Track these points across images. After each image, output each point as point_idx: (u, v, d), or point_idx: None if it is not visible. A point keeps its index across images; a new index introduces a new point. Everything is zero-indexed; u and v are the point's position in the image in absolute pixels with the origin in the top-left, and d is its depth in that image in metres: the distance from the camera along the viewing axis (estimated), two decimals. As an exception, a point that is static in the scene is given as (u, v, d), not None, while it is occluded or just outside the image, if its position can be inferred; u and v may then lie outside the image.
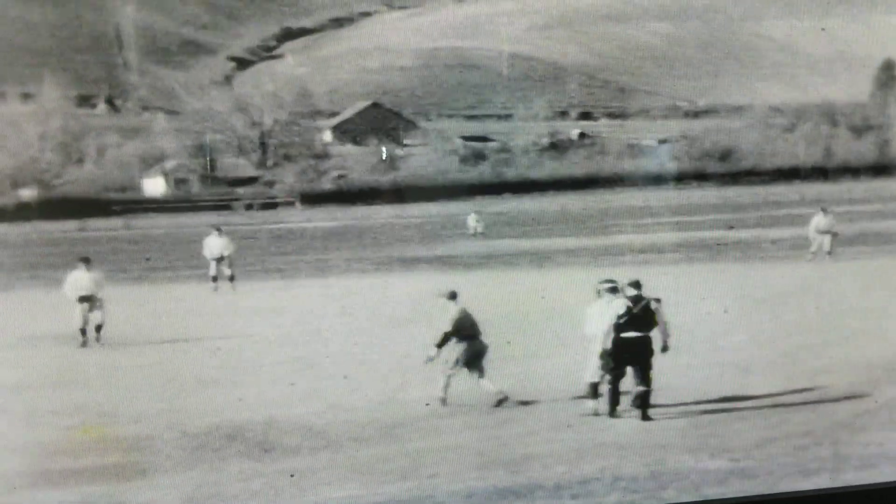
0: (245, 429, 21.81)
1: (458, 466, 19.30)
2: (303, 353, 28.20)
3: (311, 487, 18.56)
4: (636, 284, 21.50)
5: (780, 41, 74.56)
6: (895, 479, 17.58)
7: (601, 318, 21.86)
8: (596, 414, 22.13)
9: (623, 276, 21.74)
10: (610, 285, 21.79)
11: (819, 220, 42.39)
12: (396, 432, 21.57)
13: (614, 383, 21.59)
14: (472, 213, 55.38)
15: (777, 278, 37.87)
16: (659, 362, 21.53)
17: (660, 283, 22.95)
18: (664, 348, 21.40)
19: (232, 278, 40.05)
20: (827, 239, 42.09)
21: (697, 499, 17.41)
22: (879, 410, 21.07)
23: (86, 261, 31.40)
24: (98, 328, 30.60)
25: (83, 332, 30.42)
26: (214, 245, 40.58)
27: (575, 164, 67.46)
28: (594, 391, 22.41)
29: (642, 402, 21.46)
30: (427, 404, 23.14)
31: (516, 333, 27.42)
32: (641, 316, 21.23)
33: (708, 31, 75.40)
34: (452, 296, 23.96)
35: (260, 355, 28.30)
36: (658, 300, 21.49)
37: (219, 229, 41.60)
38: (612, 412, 21.54)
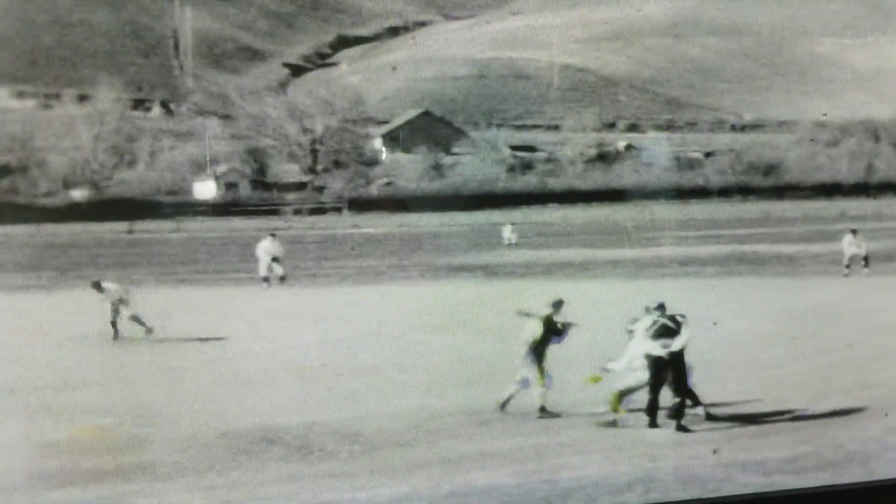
0: (284, 431, 21.93)
1: (493, 473, 19.38)
2: (344, 358, 28.40)
3: (348, 491, 18.69)
4: (660, 307, 21.79)
5: (826, 57, 74.26)
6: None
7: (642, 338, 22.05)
8: (623, 425, 22.21)
9: (663, 288, 21.87)
10: (658, 304, 21.88)
11: (849, 241, 42.66)
12: (433, 438, 21.65)
13: (652, 394, 21.72)
14: (507, 223, 55.70)
15: (817, 292, 37.73)
16: (696, 376, 21.68)
17: (702, 297, 22.95)
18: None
19: (283, 278, 41.85)
20: (859, 255, 42.29)
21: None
22: (913, 428, 21.10)
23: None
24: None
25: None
26: (269, 248, 42.12)
27: (620, 176, 67.43)
28: (619, 399, 22.52)
29: (678, 414, 21.59)
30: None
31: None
32: (669, 331, 21.48)
33: (757, 46, 75.17)
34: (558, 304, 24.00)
35: (302, 359, 28.51)
36: (683, 315, 21.74)
37: (273, 234, 43.60)
38: (653, 424, 21.66)
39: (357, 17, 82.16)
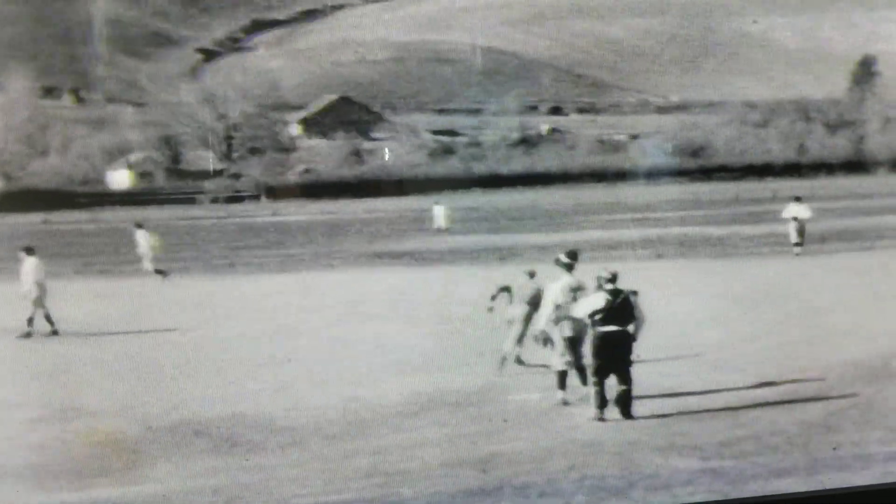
0: (211, 424, 21.49)
1: (426, 464, 19.02)
2: (270, 349, 27.99)
3: (277, 485, 18.29)
4: (614, 278, 21.13)
5: (756, 37, 74.66)
6: (870, 482, 17.36)
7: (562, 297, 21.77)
8: (565, 403, 21.91)
9: (596, 271, 21.40)
10: (610, 276, 21.32)
11: (792, 208, 42.80)
12: (364, 429, 21.30)
13: (600, 384, 21.17)
14: (439, 205, 54.64)
15: (750, 275, 37.82)
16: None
17: (632, 280, 22.76)
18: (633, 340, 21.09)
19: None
20: (800, 226, 42.44)
21: (668, 499, 17.17)
22: (854, 410, 20.89)
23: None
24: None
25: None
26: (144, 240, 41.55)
27: (545, 159, 67.37)
28: (562, 381, 22.20)
29: (624, 400, 21.12)
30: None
31: (483, 329, 27.23)
32: (620, 309, 20.87)
33: (683, 26, 75.40)
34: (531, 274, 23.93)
35: (226, 350, 28.05)
36: (635, 293, 21.19)
37: (140, 225, 42.73)
38: (601, 415, 21.14)
39: (270, 0, 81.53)
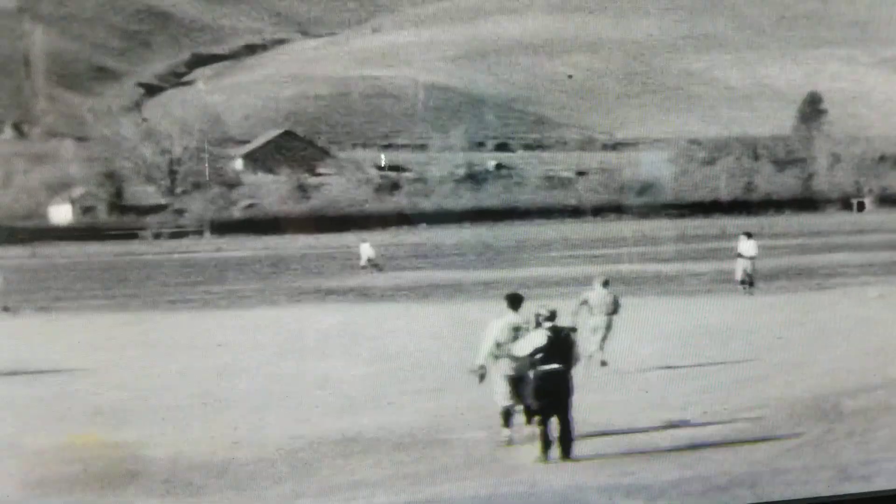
0: (150, 465, 21.06)
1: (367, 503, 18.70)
2: (210, 387, 27.59)
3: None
4: (552, 315, 20.82)
5: (700, 74, 75.13)
6: (818, 521, 17.20)
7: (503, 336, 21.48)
8: (510, 442, 21.62)
9: (539, 308, 21.11)
10: (549, 313, 21.05)
11: (742, 244, 42.75)
12: (306, 468, 20.94)
13: (543, 423, 20.79)
14: (365, 242, 53.90)
15: (697, 312, 37.73)
16: (575, 398, 21.02)
17: (577, 319, 22.53)
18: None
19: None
20: (749, 265, 42.30)
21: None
22: (802, 449, 20.73)
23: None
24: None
25: None
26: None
27: (491, 196, 67.36)
28: (506, 419, 21.90)
29: (566, 441, 20.78)
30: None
31: (427, 367, 26.92)
32: (561, 347, 20.57)
33: (627, 64, 75.77)
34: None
35: (167, 389, 27.61)
36: (574, 329, 20.92)
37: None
38: (545, 457, 20.77)
39: (213, 34, 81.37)
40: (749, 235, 43.39)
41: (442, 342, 30.54)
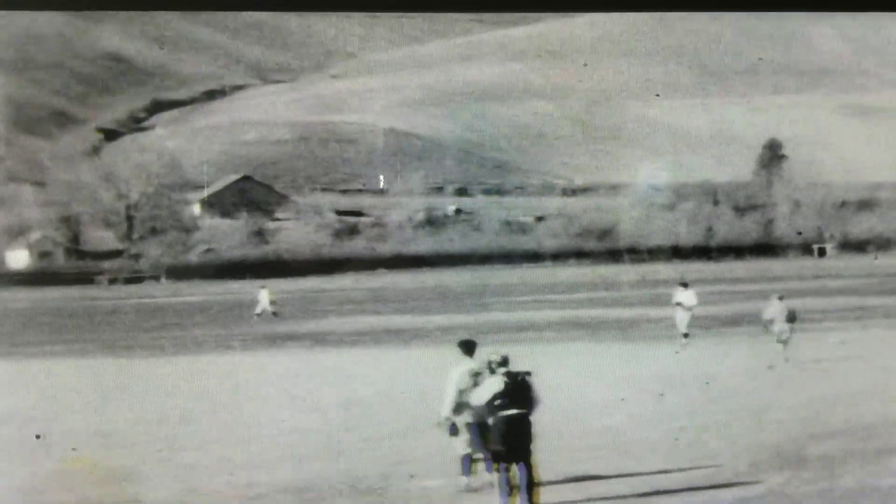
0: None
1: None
2: (165, 433, 27.10)
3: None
4: (504, 361, 20.49)
5: (660, 120, 75.37)
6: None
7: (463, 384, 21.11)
8: (470, 490, 21.23)
9: (491, 355, 20.77)
10: (501, 359, 20.71)
11: (678, 294, 41.74)
12: (260, 517, 20.52)
13: (505, 470, 20.41)
14: (262, 287, 52.64)
15: (656, 358, 37.57)
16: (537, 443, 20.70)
17: (538, 363, 22.32)
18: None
19: None
20: (687, 316, 41.35)
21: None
22: (765, 498, 20.44)
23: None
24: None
25: None
26: None
27: (451, 240, 67.18)
28: (466, 466, 21.52)
29: (528, 487, 20.40)
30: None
31: (385, 413, 26.92)
32: (520, 391, 20.23)
33: (587, 109, 75.96)
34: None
35: (118, 435, 27.15)
36: (529, 373, 20.58)
37: None
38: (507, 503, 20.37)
39: (173, 80, 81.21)
40: (685, 285, 42.26)
41: (400, 388, 30.25)
